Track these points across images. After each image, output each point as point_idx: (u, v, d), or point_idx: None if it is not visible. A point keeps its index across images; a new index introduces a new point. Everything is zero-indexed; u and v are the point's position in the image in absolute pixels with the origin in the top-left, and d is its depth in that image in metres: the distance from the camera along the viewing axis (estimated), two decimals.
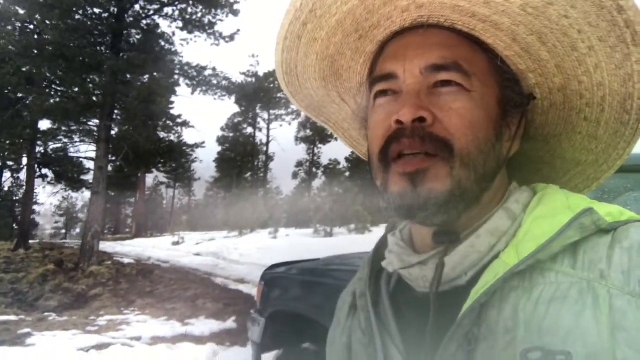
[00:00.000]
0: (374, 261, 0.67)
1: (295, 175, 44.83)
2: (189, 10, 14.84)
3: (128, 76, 14.99)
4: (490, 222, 0.55)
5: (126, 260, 15.77)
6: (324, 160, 43.51)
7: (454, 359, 0.48)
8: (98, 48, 14.52)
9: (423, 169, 0.51)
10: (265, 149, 44.34)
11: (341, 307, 0.70)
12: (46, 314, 7.60)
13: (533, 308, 0.46)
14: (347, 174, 38.26)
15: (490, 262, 0.52)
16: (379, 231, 17.18)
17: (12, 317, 7.01)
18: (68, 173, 22.00)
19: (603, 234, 0.50)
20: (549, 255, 0.49)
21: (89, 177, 19.26)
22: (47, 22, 13.36)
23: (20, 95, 15.29)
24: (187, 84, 15.67)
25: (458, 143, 0.51)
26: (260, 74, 41.13)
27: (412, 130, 0.51)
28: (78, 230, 59.00)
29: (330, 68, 0.65)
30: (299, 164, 44.63)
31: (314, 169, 43.92)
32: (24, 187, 22.08)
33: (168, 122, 24.65)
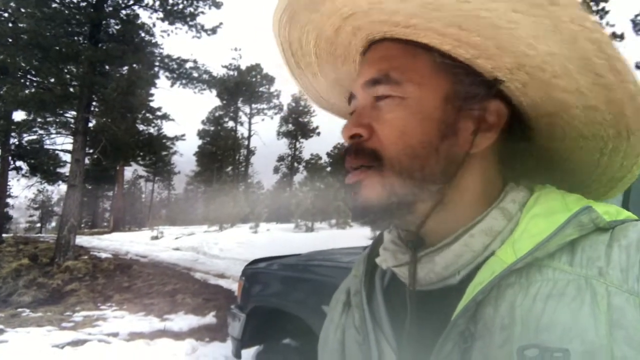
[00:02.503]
0: (370, 258, 0.66)
1: (276, 170, 44.71)
2: (170, 0, 14.59)
3: (106, 67, 14.70)
4: (484, 221, 0.54)
5: (103, 255, 15.51)
6: (306, 155, 43.66)
7: (450, 357, 0.48)
8: (75, 38, 14.17)
9: (359, 180, 0.55)
10: (246, 143, 44.16)
11: (334, 304, 0.69)
12: (19, 309, 7.41)
13: (530, 305, 0.46)
14: (329, 169, 38.29)
15: (484, 262, 0.52)
16: (359, 226, 17.25)
17: None
18: (44, 165, 21.47)
19: (601, 232, 0.50)
20: (546, 252, 0.48)
21: (66, 170, 18.89)
22: (22, 10, 12.96)
23: None
24: (167, 77, 15.45)
25: (387, 153, 0.54)
26: (243, 67, 40.87)
27: (351, 146, 0.56)
28: (54, 224, 57.91)
29: (342, 87, 0.71)
30: (281, 159, 44.50)
31: (296, 164, 43.87)
32: None
33: (147, 114, 24.23)
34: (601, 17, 25.23)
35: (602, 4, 25.28)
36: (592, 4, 25.30)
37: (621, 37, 24.47)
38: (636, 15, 22.89)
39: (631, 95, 0.48)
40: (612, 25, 24.99)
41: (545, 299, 0.46)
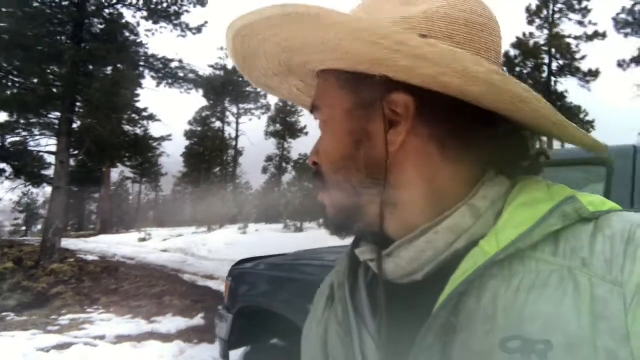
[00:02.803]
0: (353, 253, 0.66)
1: (265, 170, 44.51)
2: None
3: (90, 67, 14.49)
4: (451, 218, 0.53)
5: (90, 258, 15.33)
6: (294, 155, 43.29)
7: (432, 349, 0.47)
8: (58, 38, 13.97)
9: (323, 202, 0.62)
10: (234, 143, 43.86)
11: (319, 299, 0.69)
12: (4, 314, 7.31)
13: (512, 296, 0.46)
14: None
15: (448, 260, 0.52)
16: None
17: None
18: (28, 167, 21.11)
19: (585, 222, 0.49)
20: (529, 243, 0.48)
21: (50, 172, 18.58)
22: (3, 10, 12.76)
23: None
24: (152, 77, 15.29)
25: (325, 173, 0.60)
26: (229, 67, 40.62)
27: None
28: (39, 227, 57.06)
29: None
30: (269, 159, 44.30)
31: (284, 164, 43.73)
32: None
33: (133, 115, 23.96)
34: (584, 16, 25.61)
35: (584, 3, 25.63)
36: (575, 2, 25.65)
37: (603, 35, 24.84)
38: (618, 14, 23.23)
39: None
40: (595, 24, 25.38)
41: (528, 290, 0.45)
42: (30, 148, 18.86)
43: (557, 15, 26.30)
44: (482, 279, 0.48)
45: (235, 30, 0.54)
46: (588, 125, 25.55)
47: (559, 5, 26.21)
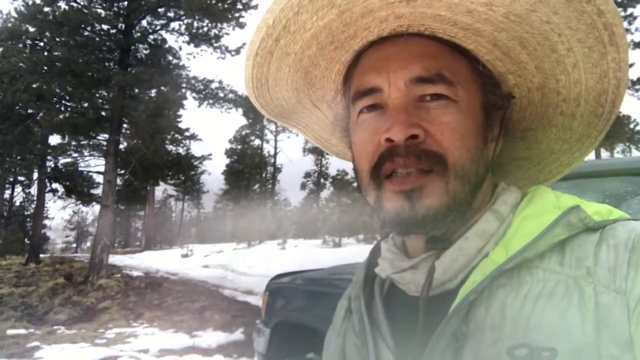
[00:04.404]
0: (369, 265, 0.68)
1: (303, 186, 44.75)
2: (195, 24, 15.01)
3: (136, 90, 15.16)
4: (478, 224, 0.55)
5: (135, 273, 15.77)
6: (332, 171, 43.42)
7: (443, 356, 0.49)
8: (106, 63, 14.73)
9: (419, 187, 0.51)
10: (273, 160, 44.44)
11: (338, 311, 0.71)
12: (55, 327, 7.64)
13: (520, 305, 0.47)
14: (355, 184, 37.94)
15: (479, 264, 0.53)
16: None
17: (22, 331, 7.05)
18: (78, 187, 22.17)
19: (591, 232, 0.50)
20: (536, 253, 0.49)
21: (99, 191, 19.40)
22: (57, 39, 13.62)
23: (30, 111, 15.53)
24: (194, 97, 15.80)
25: (452, 157, 0.51)
26: None
27: (405, 148, 0.51)
28: (89, 244, 59.24)
29: (303, 79, 0.64)
30: (307, 175, 44.56)
31: (322, 180, 43.84)
32: (35, 202, 22.26)
33: (176, 135, 24.76)
34: (630, 23, 24.65)
35: (630, 10, 24.69)
36: (619, 10, 24.77)
37: None
38: None
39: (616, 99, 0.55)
40: None
41: (535, 299, 0.46)
42: (80, 168, 19.86)
43: None
44: (492, 289, 0.49)
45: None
46: (638, 136, 24.39)
47: None
